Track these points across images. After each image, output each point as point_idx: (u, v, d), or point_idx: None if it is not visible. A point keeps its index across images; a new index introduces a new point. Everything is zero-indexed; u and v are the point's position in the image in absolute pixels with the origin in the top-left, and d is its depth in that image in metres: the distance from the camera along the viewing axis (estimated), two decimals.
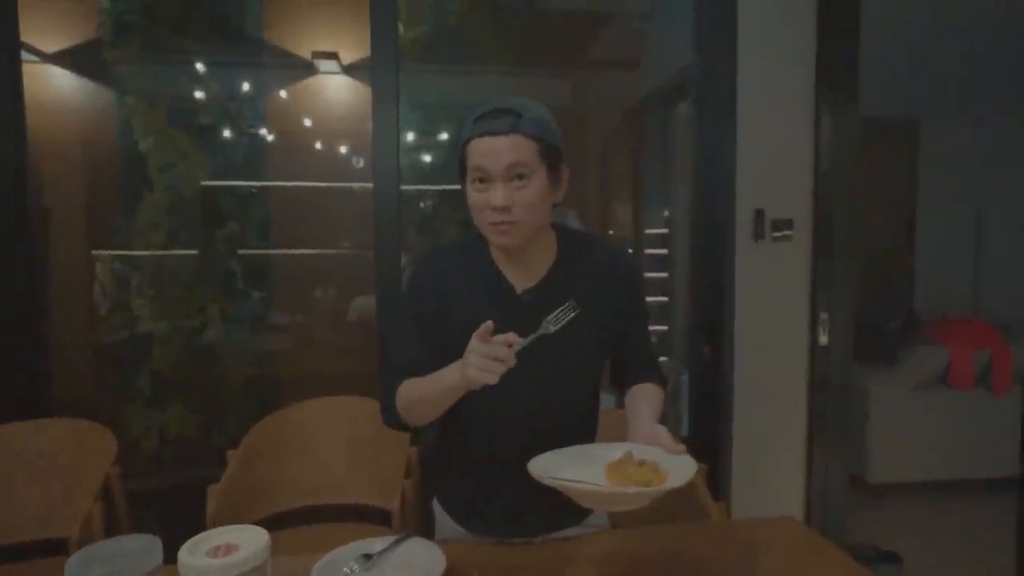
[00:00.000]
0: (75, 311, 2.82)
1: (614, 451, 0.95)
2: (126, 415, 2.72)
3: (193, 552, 0.77)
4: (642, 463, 0.91)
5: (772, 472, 2.13)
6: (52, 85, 2.75)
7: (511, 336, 0.89)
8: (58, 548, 1.41)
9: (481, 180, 1.00)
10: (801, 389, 2.12)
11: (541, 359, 1.01)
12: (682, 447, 0.92)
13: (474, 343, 0.89)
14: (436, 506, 1.22)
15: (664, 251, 3.26)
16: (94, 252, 2.87)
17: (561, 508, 1.08)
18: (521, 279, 1.08)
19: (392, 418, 1.08)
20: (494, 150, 0.98)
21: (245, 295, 2.99)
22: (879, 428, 3.05)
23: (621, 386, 1.19)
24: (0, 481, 1.46)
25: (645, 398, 1.10)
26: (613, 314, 1.10)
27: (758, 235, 2.05)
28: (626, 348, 1.15)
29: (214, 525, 1.48)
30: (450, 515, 1.18)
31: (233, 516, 1.58)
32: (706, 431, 2.14)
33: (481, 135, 0.99)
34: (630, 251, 1.24)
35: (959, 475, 3.12)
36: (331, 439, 1.75)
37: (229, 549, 0.75)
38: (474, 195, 1.02)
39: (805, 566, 1.05)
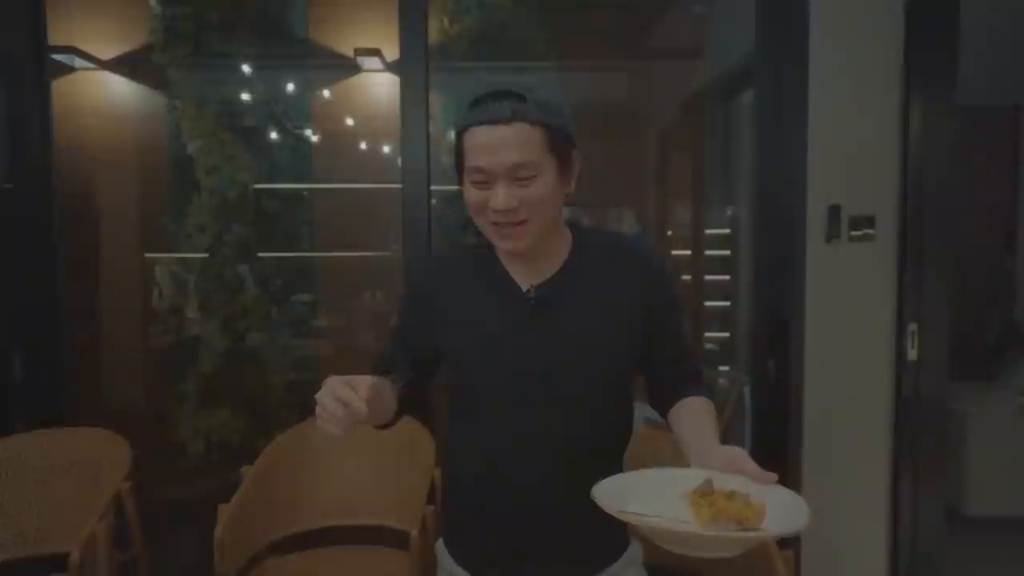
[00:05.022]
0: (128, 314, 2.86)
1: (690, 478, 0.78)
2: (175, 419, 2.72)
3: None
4: (731, 495, 0.74)
5: (850, 506, 1.87)
6: (107, 91, 2.80)
7: (362, 383, 0.77)
8: (64, 564, 1.36)
9: (480, 180, 0.87)
10: (884, 410, 1.85)
11: (553, 368, 0.91)
12: (773, 475, 0.77)
13: (328, 381, 0.78)
14: (440, 548, 1.06)
15: (726, 252, 3.02)
16: (147, 255, 2.90)
17: (585, 550, 0.96)
18: (528, 278, 0.95)
19: None
20: (494, 144, 0.85)
21: (290, 299, 2.95)
22: (977, 454, 2.70)
23: (662, 402, 1.02)
24: (8, 493, 1.42)
25: (702, 414, 0.94)
26: (635, 315, 0.95)
27: (832, 234, 1.81)
28: (658, 354, 1.00)
29: (223, 548, 1.39)
30: (455, 560, 1.02)
31: (246, 537, 1.49)
32: (770, 456, 1.90)
33: (479, 123, 0.86)
34: (650, 246, 1.03)
35: None
36: (352, 456, 1.63)
37: None
38: (473, 193, 0.89)
39: None
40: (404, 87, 1.83)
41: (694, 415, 0.94)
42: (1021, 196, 4.42)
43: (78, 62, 2.68)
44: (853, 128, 1.82)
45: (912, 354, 1.81)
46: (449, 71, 2.80)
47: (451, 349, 0.98)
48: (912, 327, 1.80)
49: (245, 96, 2.88)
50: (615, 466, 0.97)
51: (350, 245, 2.99)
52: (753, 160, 2.08)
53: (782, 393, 1.86)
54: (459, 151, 0.90)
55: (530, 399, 0.92)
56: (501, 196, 0.86)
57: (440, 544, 1.06)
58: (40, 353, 1.87)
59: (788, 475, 1.85)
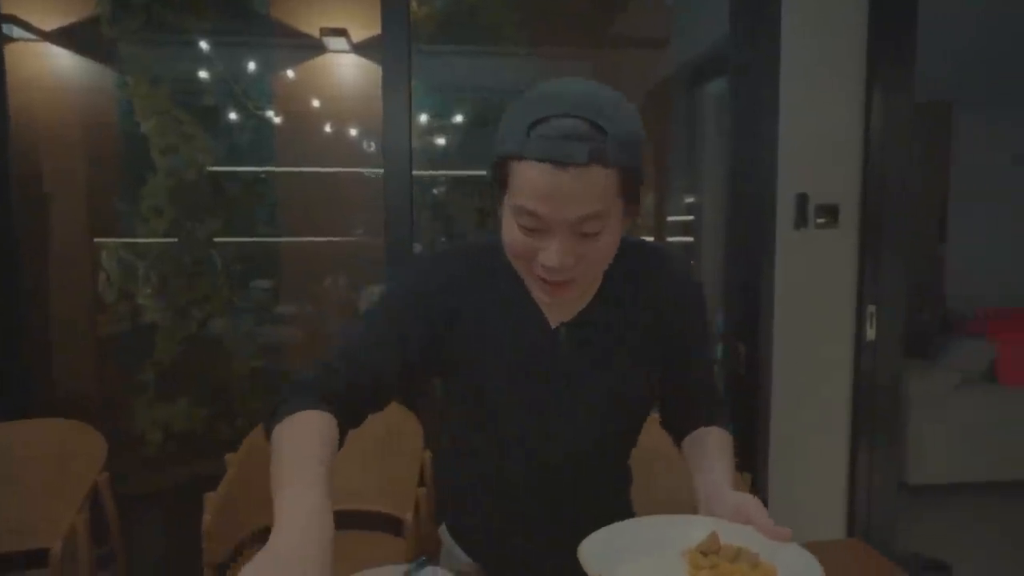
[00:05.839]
0: (77, 301, 2.72)
1: (692, 530, 0.72)
2: (130, 410, 2.62)
3: None
4: (736, 555, 0.67)
5: (813, 477, 1.98)
6: (50, 64, 2.63)
7: None
8: (41, 560, 1.30)
9: (532, 226, 0.71)
10: (845, 389, 1.96)
11: (577, 401, 0.86)
12: (787, 531, 0.70)
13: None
14: (444, 533, 1.05)
15: (689, 239, 3.11)
16: (96, 240, 2.77)
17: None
18: (557, 309, 0.84)
19: (268, 428, 0.78)
20: (561, 192, 0.67)
21: (251, 285, 2.88)
22: (919, 427, 2.89)
23: (678, 430, 0.97)
24: None
25: (714, 448, 0.87)
26: (664, 345, 0.88)
27: (800, 222, 1.89)
28: (684, 385, 0.93)
29: (210, 536, 1.36)
30: (461, 547, 1.02)
31: (232, 524, 1.46)
32: (741, 435, 1.99)
33: (541, 159, 0.66)
34: (686, 263, 0.99)
35: (1007, 476, 2.95)
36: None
37: None
38: (517, 236, 0.72)
39: None
40: (386, 70, 1.80)
41: (707, 451, 0.87)
42: (952, 188, 4.70)
43: (17, 32, 2.52)
44: (819, 119, 1.90)
45: (871, 334, 1.92)
46: (418, 54, 2.77)
47: (464, 370, 0.86)
48: (871, 309, 1.91)
49: (203, 74, 2.77)
50: (623, 470, 1.00)
51: (314, 230, 2.93)
52: (725, 149, 2.14)
53: (752, 376, 1.95)
54: (501, 175, 0.73)
55: (547, 429, 0.86)
56: (557, 252, 0.70)
57: (444, 529, 1.07)
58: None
59: (757, 452, 1.95)
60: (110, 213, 2.79)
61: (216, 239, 2.78)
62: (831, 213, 1.90)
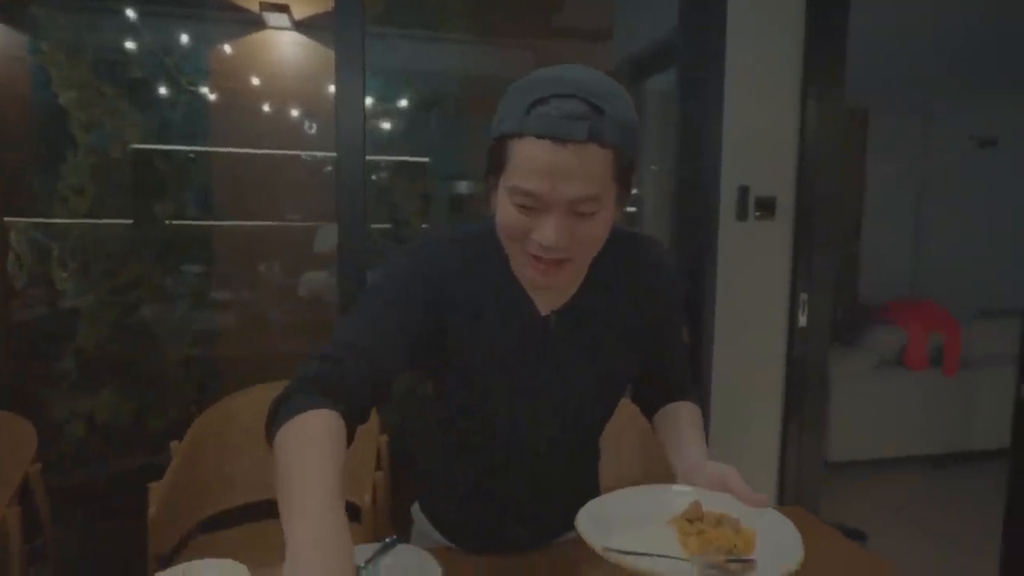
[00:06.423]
0: None
1: (675, 499, 0.76)
2: (48, 401, 2.46)
3: None
4: (719, 521, 0.71)
5: (748, 454, 2.10)
6: None
7: None
8: None
9: (527, 205, 0.72)
10: (779, 371, 2.08)
11: (567, 387, 0.87)
12: (763, 497, 0.74)
13: None
14: (417, 512, 1.06)
15: (633, 231, 3.19)
16: (6, 219, 2.56)
17: (562, 522, 0.97)
18: (547, 297, 0.85)
19: (269, 434, 0.73)
20: (558, 169, 0.68)
21: (182, 269, 2.74)
22: (837, 408, 3.10)
23: (649, 406, 1.01)
24: None
25: (688, 422, 0.91)
26: (647, 332, 0.91)
27: (741, 214, 1.98)
28: (654, 363, 0.96)
29: (156, 527, 1.30)
30: (434, 525, 1.03)
31: (177, 515, 1.40)
32: None
33: (541, 135, 0.68)
34: (664, 251, 0.95)
35: (911, 451, 3.21)
36: None
37: None
38: (511, 215, 0.73)
39: (822, 555, 0.96)
40: (339, 51, 1.75)
41: (680, 424, 0.91)
42: (867, 191, 5.05)
43: None
44: (759, 115, 1.99)
45: (803, 321, 2.04)
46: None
47: (456, 359, 0.85)
48: (803, 297, 2.03)
49: (130, 45, 2.61)
50: (596, 448, 1.03)
51: (249, 214, 2.82)
52: (670, 141, 2.22)
53: (694, 359, 2.03)
54: (498, 156, 0.73)
55: (537, 415, 0.88)
56: (552, 231, 0.71)
57: (416, 508, 1.07)
58: None
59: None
60: (23, 191, 2.59)
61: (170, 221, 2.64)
62: (769, 206, 2.00)
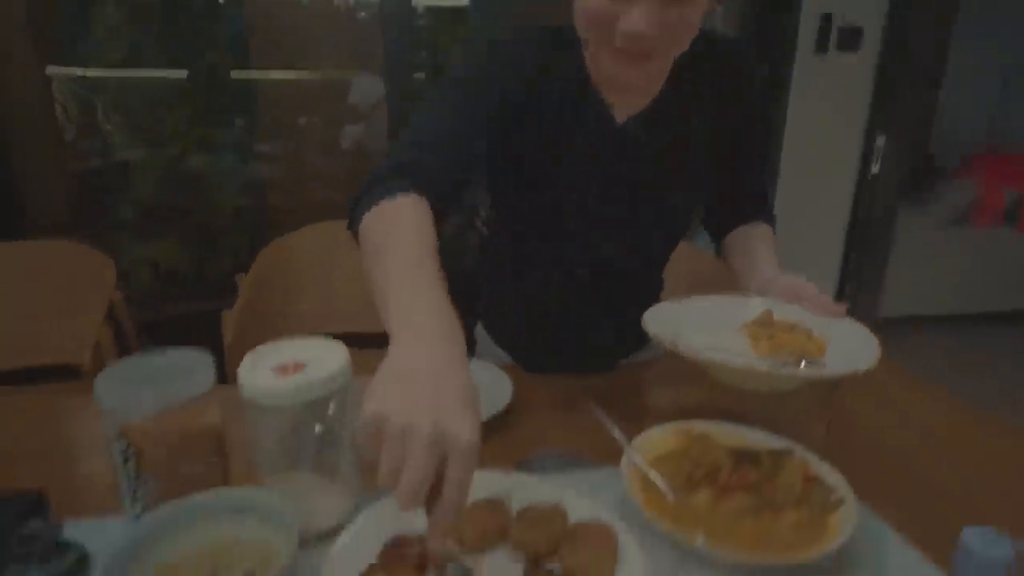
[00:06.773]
0: (37, 136, 2.53)
1: (747, 308, 0.73)
2: (115, 247, 2.54)
3: (254, 369, 0.57)
4: (792, 327, 0.68)
5: None
6: None
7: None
8: (66, 374, 1.30)
9: None
10: (842, 222, 2.00)
11: (635, 199, 0.82)
12: (842, 308, 0.70)
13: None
14: (480, 332, 1.06)
15: None
16: (49, 70, 2.51)
17: (625, 340, 0.96)
18: (624, 101, 0.78)
19: (355, 216, 0.67)
20: None
21: (227, 121, 2.70)
22: (896, 264, 2.99)
23: (722, 228, 0.93)
24: None
25: (759, 241, 0.86)
26: (729, 140, 0.83)
27: (821, 47, 1.81)
28: (737, 180, 0.88)
29: (232, 353, 1.37)
30: (497, 344, 1.03)
31: (251, 343, 1.47)
32: None
33: None
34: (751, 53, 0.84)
35: (974, 308, 3.10)
36: (342, 266, 1.60)
37: (298, 367, 0.57)
38: (595, 1, 0.65)
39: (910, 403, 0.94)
40: None
41: (752, 243, 0.86)
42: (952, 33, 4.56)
43: None
44: None
45: (875, 168, 1.92)
46: None
47: (525, 168, 0.81)
48: (880, 141, 1.89)
49: None
50: (658, 279, 0.99)
51: (287, 64, 2.71)
52: None
53: None
54: None
55: (602, 227, 0.84)
56: (641, 17, 0.63)
57: (480, 328, 1.08)
58: None
59: None
60: (58, 38, 2.51)
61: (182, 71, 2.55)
62: (853, 37, 1.81)
